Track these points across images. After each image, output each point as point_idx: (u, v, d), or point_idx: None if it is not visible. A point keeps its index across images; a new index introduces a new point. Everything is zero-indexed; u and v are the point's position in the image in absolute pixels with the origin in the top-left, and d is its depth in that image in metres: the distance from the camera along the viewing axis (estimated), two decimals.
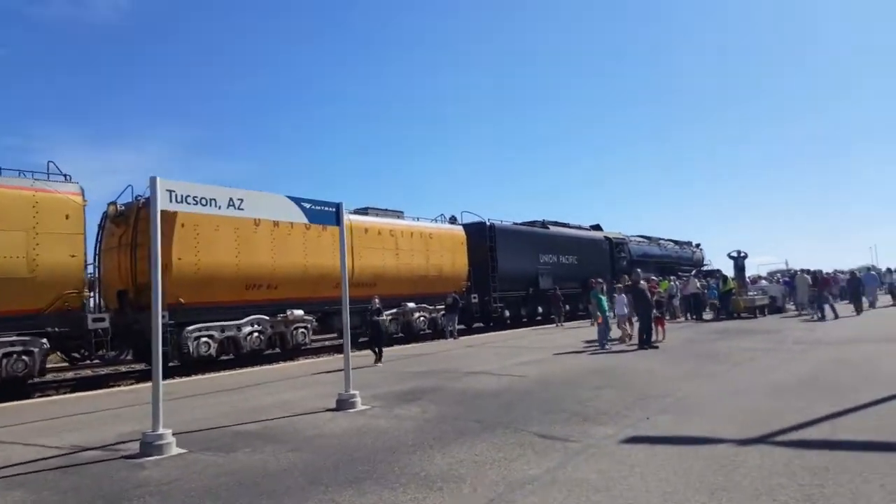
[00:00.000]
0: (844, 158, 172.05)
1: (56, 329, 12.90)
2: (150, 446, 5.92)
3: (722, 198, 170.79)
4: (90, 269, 14.40)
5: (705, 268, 41.22)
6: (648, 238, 37.96)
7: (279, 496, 4.50)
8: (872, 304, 25.32)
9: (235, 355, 15.90)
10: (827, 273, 27.77)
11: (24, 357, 12.30)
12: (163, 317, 13.66)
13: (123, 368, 16.61)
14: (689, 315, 23.45)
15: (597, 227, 33.91)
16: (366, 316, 14.31)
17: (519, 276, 25.24)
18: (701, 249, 44.95)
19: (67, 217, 12.99)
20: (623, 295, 15.45)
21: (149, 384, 12.22)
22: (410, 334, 20.53)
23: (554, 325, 23.94)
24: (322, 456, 5.58)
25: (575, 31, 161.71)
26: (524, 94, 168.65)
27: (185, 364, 15.02)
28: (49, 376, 15.68)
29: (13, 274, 12.09)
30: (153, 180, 5.99)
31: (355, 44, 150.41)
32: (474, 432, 6.20)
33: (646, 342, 13.71)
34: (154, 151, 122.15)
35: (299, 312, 16.73)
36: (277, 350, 17.01)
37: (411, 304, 20.52)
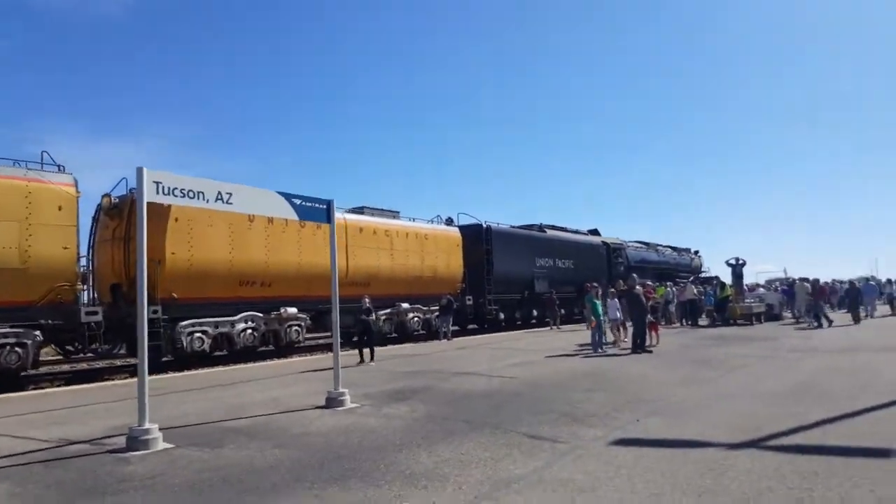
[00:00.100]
0: (847, 169, 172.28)
1: (49, 321, 12.82)
2: (136, 441, 5.87)
3: (723, 205, 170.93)
4: (83, 261, 14.32)
5: (703, 274, 41.23)
6: (646, 244, 37.93)
7: (263, 493, 4.46)
8: (871, 314, 25.35)
9: (229, 351, 15.85)
10: (825, 282, 27.82)
11: (17, 349, 12.21)
12: (156, 312, 13.94)
13: (119, 362, 16.54)
14: (684, 321, 23.45)
15: (594, 232, 33.89)
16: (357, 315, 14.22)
17: (514, 279, 25.19)
18: (699, 256, 44.97)
19: (60, 208, 12.90)
20: (615, 300, 15.41)
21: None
22: (404, 335, 20.48)
23: (549, 328, 23.91)
24: (308, 453, 5.54)
25: (575, 33, 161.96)
26: (524, 97, 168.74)
27: (178, 359, 14.97)
28: (44, 369, 15.64)
29: (5, 265, 12.00)
30: (140, 171, 5.93)
31: (360, 45, 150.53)
32: (462, 432, 6.16)
33: (640, 346, 13.68)
34: (154, 146, 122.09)
35: (293, 310, 16.67)
36: (271, 347, 16.97)
37: (405, 305, 20.46)
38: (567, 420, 6.58)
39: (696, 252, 44.89)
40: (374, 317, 14.20)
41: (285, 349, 17.08)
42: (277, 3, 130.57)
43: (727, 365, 11.15)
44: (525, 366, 11.77)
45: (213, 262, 15.04)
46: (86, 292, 14.61)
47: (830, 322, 20.37)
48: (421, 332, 20.97)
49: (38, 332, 12.58)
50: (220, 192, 6.75)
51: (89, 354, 15.09)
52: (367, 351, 13.38)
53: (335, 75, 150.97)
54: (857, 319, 22.23)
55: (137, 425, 5.97)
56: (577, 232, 31.81)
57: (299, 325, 17.05)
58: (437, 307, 20.88)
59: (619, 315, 15.34)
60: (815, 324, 20.63)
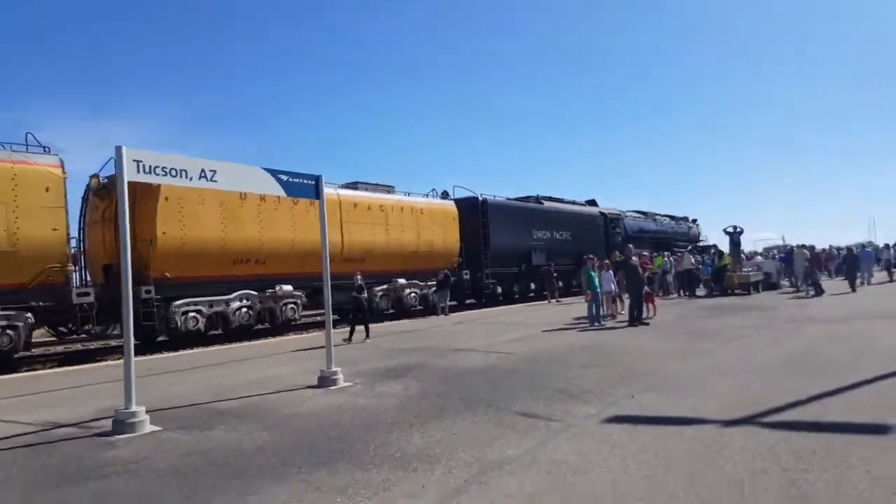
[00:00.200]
0: (844, 129, 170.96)
1: (40, 303, 12.74)
2: (122, 424, 5.78)
3: (720, 173, 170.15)
4: (73, 242, 14.16)
5: (701, 243, 41.11)
6: (644, 213, 37.73)
7: (249, 476, 4.37)
8: (867, 281, 25.29)
9: (224, 331, 15.77)
10: (822, 249, 27.73)
11: (8, 331, 12.16)
12: (149, 292, 13.82)
13: (113, 343, 16.46)
14: (682, 291, 23.37)
15: (592, 203, 33.65)
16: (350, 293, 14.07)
17: (512, 253, 25.05)
18: (697, 225, 44.76)
19: (48, 190, 12.72)
20: (609, 272, 15.25)
21: (136, 358, 12.15)
22: (401, 311, 20.40)
23: (546, 301, 23.85)
24: (298, 435, 5.45)
25: (574, 9, 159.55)
26: (522, 68, 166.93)
27: (173, 339, 14.91)
28: (39, 350, 15.59)
29: None
30: (119, 150, 5.74)
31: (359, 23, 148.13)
32: (455, 410, 6.07)
33: (636, 319, 13.58)
34: (154, 126, 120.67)
35: (288, 288, 16.55)
36: (267, 325, 16.89)
37: (402, 281, 20.34)
38: (562, 397, 6.49)
39: (694, 221, 44.70)
40: (366, 294, 14.04)
41: (281, 327, 17.00)
42: None
43: (724, 336, 11.08)
44: (522, 341, 11.69)
45: (205, 240, 14.89)
46: (77, 273, 14.51)
47: (821, 293, 20.28)
48: (418, 307, 20.89)
49: (29, 315, 12.52)
50: (203, 170, 6.57)
51: (82, 336, 15.01)
52: (359, 328, 13.26)
53: (334, 53, 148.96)
54: (854, 287, 22.16)
55: (124, 408, 5.87)
56: (573, 203, 31.56)
57: (295, 303, 16.96)
58: (433, 282, 20.78)
59: (613, 287, 15.20)
60: (812, 292, 20.57)
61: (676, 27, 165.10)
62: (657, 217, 38.91)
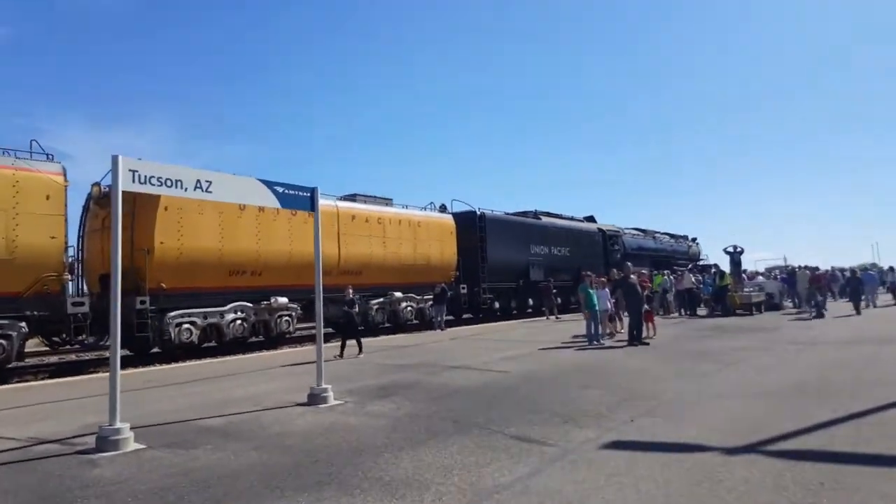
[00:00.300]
0: (847, 154, 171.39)
1: (35, 313, 12.57)
2: (105, 441, 5.61)
3: (721, 192, 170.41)
4: (71, 251, 14.02)
5: (701, 262, 40.96)
6: (644, 231, 37.62)
7: (231, 500, 4.20)
8: (872, 304, 25.10)
9: (218, 343, 15.59)
10: (825, 270, 27.53)
11: (1, 341, 12.00)
12: (143, 302, 13.65)
13: (108, 354, 16.23)
14: (682, 311, 23.17)
15: (591, 219, 33.57)
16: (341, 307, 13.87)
17: (509, 267, 24.90)
18: (697, 244, 44.63)
19: (48, 198, 12.63)
20: (605, 290, 15.07)
21: (127, 371, 12.01)
22: (397, 325, 20.21)
23: (544, 317, 23.65)
24: (284, 456, 5.27)
25: (575, 26, 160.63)
26: (522, 85, 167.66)
27: (166, 351, 14.72)
28: (33, 360, 15.41)
29: None
30: (115, 159, 5.63)
31: (364, 38, 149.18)
32: (447, 433, 5.88)
33: (636, 338, 13.39)
34: (160, 132, 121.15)
35: (283, 300, 16.39)
36: (261, 338, 16.70)
37: (398, 294, 20.17)
38: (558, 420, 6.31)
39: (694, 239, 44.58)
40: (357, 308, 13.84)
41: (276, 340, 16.82)
42: None
43: (726, 358, 10.88)
44: (518, 359, 11.50)
45: (202, 251, 14.76)
46: (74, 283, 14.36)
47: (822, 315, 20.11)
48: (414, 321, 20.71)
49: (23, 324, 12.35)
50: (198, 181, 6.46)
51: (76, 346, 14.83)
52: (351, 343, 13.05)
53: (336, 63, 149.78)
54: (858, 309, 21.96)
55: (108, 425, 5.71)
56: (572, 219, 31.48)
57: (290, 316, 16.79)
58: (430, 296, 20.61)
59: (609, 306, 15.00)
60: (815, 313, 20.38)
61: (677, 42, 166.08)
62: (656, 235, 38.81)
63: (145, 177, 6.05)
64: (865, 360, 10.31)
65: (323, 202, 16.60)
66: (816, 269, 24.32)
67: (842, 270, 35.83)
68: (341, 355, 12.62)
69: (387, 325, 20.04)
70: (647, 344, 13.33)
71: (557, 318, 23.19)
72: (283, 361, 12.40)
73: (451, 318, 22.63)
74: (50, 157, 13.10)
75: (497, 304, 24.15)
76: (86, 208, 15.36)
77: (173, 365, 13.12)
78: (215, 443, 5.79)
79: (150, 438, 5.94)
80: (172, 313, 14.32)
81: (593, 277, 15.24)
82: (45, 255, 12.52)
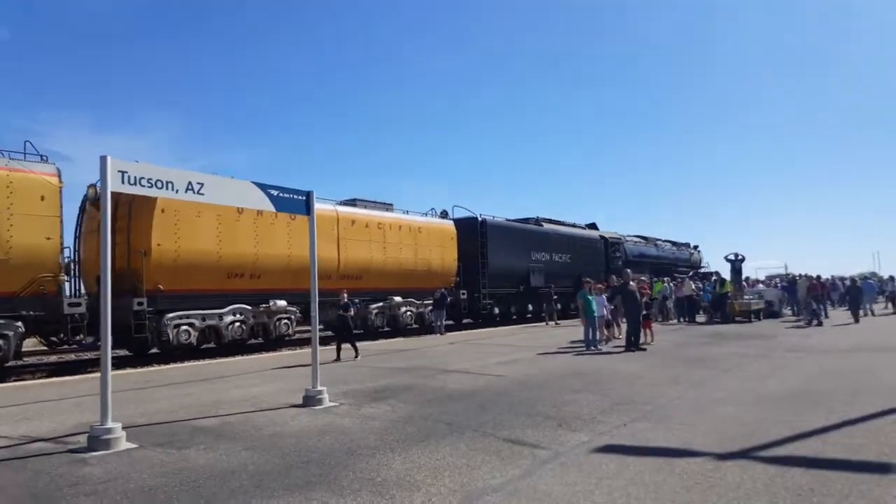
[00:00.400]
0: (847, 163, 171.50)
1: (31, 313, 12.58)
2: (96, 440, 5.59)
3: (723, 200, 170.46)
4: (67, 252, 14.04)
5: (703, 270, 40.94)
6: (645, 238, 37.61)
7: (220, 500, 4.18)
8: (872, 312, 25.08)
9: (217, 345, 15.59)
10: (825, 279, 27.49)
11: None
12: (141, 304, 13.65)
13: None
14: (682, 317, 23.14)
15: (592, 226, 33.57)
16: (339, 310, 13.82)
17: (510, 273, 24.90)
18: (699, 251, 44.64)
19: (43, 199, 12.64)
20: (602, 296, 15.06)
21: (124, 371, 12.02)
22: (397, 328, 20.21)
23: (544, 323, 23.63)
24: (276, 456, 5.26)
25: (574, 30, 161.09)
26: (523, 92, 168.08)
27: (165, 352, 14.72)
28: (32, 360, 15.42)
29: None
30: (103, 160, 5.61)
31: (367, 42, 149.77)
32: (441, 435, 5.87)
33: (633, 344, 13.38)
34: (162, 136, 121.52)
35: (282, 303, 16.39)
36: (260, 340, 16.70)
37: (398, 298, 20.18)
38: (552, 424, 6.29)
39: (696, 247, 44.59)
40: (352, 312, 13.80)
41: (275, 342, 16.82)
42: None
43: (722, 365, 10.86)
44: (515, 363, 11.48)
45: (200, 253, 14.76)
46: (70, 283, 14.37)
47: (820, 323, 20.13)
48: (413, 326, 20.71)
49: (20, 324, 12.36)
50: (190, 183, 6.44)
51: (73, 346, 14.83)
52: (346, 347, 13.01)
53: (338, 67, 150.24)
54: (857, 318, 21.93)
55: (99, 424, 5.70)
56: (574, 226, 31.49)
57: (289, 318, 16.79)
58: (430, 301, 20.61)
59: (605, 313, 14.98)
60: (815, 321, 20.38)
61: (678, 44, 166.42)
62: (658, 242, 38.80)
63: (135, 178, 5.99)
64: (861, 368, 10.28)
65: (322, 207, 16.75)
66: (818, 277, 24.31)
67: (842, 279, 35.81)
68: (338, 358, 12.59)
69: (386, 328, 20.04)
70: (645, 350, 13.31)
71: (557, 323, 23.17)
72: (280, 363, 12.39)
73: (450, 322, 22.63)
74: (44, 158, 13.10)
75: (497, 310, 24.13)
76: (82, 210, 15.40)
77: (171, 365, 13.12)
78: (208, 443, 5.78)
79: (142, 438, 5.93)
80: (170, 315, 14.32)
81: (593, 284, 15.22)
82: (40, 256, 12.55)
